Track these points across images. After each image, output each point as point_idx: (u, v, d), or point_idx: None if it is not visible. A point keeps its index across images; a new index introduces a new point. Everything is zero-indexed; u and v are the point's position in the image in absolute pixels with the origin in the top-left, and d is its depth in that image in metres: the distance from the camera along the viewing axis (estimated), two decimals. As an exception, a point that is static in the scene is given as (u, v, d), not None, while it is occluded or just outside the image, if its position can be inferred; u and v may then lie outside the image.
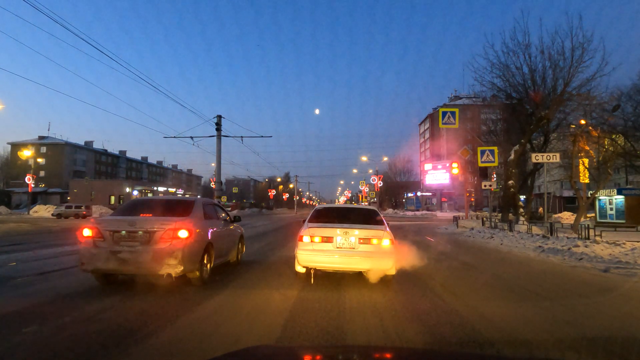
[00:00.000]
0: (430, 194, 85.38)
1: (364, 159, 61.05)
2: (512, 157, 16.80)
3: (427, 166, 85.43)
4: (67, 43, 68.64)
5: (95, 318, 4.62)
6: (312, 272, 6.59)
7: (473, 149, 21.21)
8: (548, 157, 13.53)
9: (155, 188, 69.80)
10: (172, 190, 77.42)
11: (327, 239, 6.38)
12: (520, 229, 13.95)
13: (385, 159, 77.83)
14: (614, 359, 3.60)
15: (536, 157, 13.93)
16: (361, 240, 6.33)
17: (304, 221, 7.22)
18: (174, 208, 6.91)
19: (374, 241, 6.37)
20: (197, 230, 6.32)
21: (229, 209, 33.51)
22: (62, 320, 4.44)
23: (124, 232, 5.95)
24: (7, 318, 4.52)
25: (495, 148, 16.22)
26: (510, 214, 19.67)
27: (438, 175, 78.43)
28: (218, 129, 22.74)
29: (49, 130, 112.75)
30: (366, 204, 73.08)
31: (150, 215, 6.43)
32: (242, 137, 23.57)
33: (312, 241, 6.44)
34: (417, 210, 70.45)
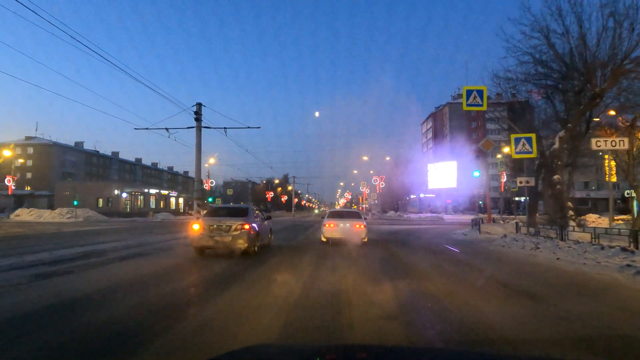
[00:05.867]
0: (434, 195, 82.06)
1: (365, 158, 57.94)
2: (556, 145, 13.63)
3: (431, 167, 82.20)
4: (42, 28, 65.18)
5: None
6: (329, 241, 13.73)
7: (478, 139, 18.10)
8: (613, 143, 10.41)
9: (146, 190, 66.64)
10: (164, 192, 74.25)
11: (335, 225, 13.81)
12: (575, 237, 10.75)
13: (388, 158, 74.89)
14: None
15: (597, 143, 10.83)
16: (350, 225, 13.74)
17: (322, 217, 16.00)
18: (238, 212, 11.13)
19: (357, 226, 13.70)
20: (252, 225, 10.39)
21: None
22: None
23: (215, 225, 10.14)
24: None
25: (533, 135, 13.04)
26: (535, 217, 16.54)
27: (443, 176, 75.20)
28: (198, 119, 19.54)
29: (36, 130, 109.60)
30: (367, 205, 70.45)
31: (226, 217, 10.59)
32: (225, 128, 20.37)
33: (329, 226, 13.84)
34: (421, 213, 67.24)
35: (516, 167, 25.81)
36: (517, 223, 14.49)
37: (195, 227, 10.23)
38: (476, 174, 17.97)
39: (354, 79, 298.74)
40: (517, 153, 12.98)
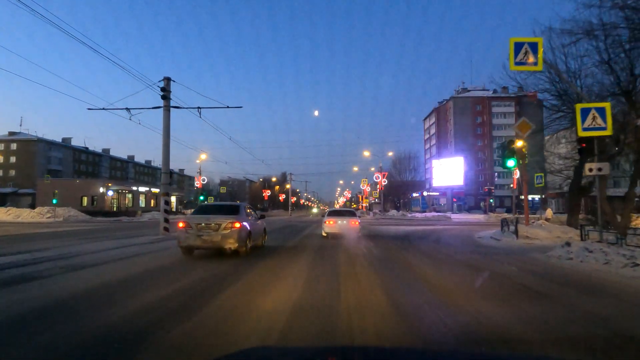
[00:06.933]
0: (438, 193, 78.46)
1: (367, 154, 54.54)
2: (641, 121, 10.08)
3: (436, 163, 78.65)
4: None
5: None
6: (328, 235, 15.61)
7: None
8: None
9: (135, 188, 63.18)
10: (155, 190, 70.72)
11: (334, 222, 15.63)
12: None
13: (390, 154, 71.49)
14: None
15: None
16: (347, 222, 15.58)
17: (322, 216, 19.31)
18: (229, 210, 10.64)
19: (352, 223, 15.57)
20: (244, 224, 9.93)
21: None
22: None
23: (203, 224, 9.59)
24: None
25: (607, 105, 9.40)
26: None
27: (448, 173, 71.64)
28: (165, 97, 15.87)
29: (20, 125, 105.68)
30: (367, 204, 67.51)
31: (216, 214, 10.11)
32: (199, 107, 16.62)
33: (328, 223, 15.66)
34: (425, 212, 63.61)
35: (543, 159, 22.14)
36: (582, 227, 10.81)
37: (181, 224, 9.68)
38: (510, 162, 14.21)
39: (354, 75, 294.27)
40: (585, 129, 9.36)
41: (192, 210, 15.96)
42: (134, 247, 11.77)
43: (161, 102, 16.12)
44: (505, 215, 50.72)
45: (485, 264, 8.91)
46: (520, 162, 14.55)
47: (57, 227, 26.05)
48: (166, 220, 16.21)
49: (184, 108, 16.74)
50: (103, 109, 16.31)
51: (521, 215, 36.18)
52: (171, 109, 16.23)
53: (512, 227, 15.08)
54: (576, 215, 16.34)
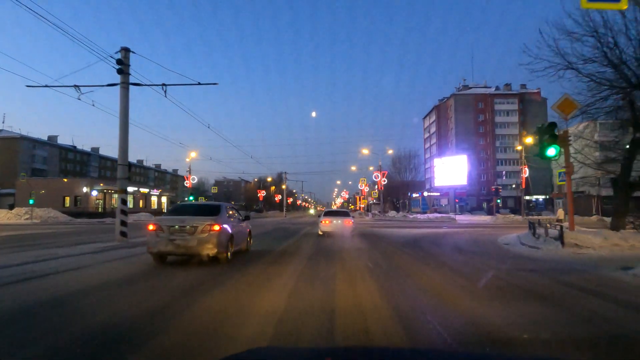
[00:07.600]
0: (439, 194, 75.60)
1: (366, 151, 51.73)
2: None
3: (438, 162, 75.79)
4: None
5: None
6: (324, 233, 16.80)
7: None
8: None
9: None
10: (144, 190, 67.61)
11: (330, 222, 16.89)
12: None
13: (390, 151, 68.68)
14: None
15: None
16: (341, 221, 16.92)
17: (318, 216, 20.32)
18: (207, 210, 9.49)
19: (346, 222, 16.91)
20: (225, 226, 8.84)
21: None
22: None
23: (177, 226, 8.40)
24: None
25: None
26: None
27: (451, 172, 68.79)
28: (122, 71, 12.85)
29: (3, 122, 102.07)
30: (365, 205, 64.88)
31: (193, 215, 8.86)
32: (164, 84, 13.55)
33: (324, 223, 16.96)
34: (426, 213, 60.77)
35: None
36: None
37: (151, 227, 8.62)
38: (551, 151, 11.25)
39: (353, 72, 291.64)
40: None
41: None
42: (55, 261, 8.75)
43: (119, 79, 13.10)
44: (512, 216, 47.96)
45: (561, 295, 5.94)
46: (562, 151, 11.61)
47: (22, 229, 23.42)
48: (123, 224, 13.22)
49: (145, 85, 13.70)
50: (46, 86, 13.33)
51: (534, 217, 33.14)
52: (130, 87, 13.23)
53: (551, 232, 12.19)
54: (623, 218, 13.47)
